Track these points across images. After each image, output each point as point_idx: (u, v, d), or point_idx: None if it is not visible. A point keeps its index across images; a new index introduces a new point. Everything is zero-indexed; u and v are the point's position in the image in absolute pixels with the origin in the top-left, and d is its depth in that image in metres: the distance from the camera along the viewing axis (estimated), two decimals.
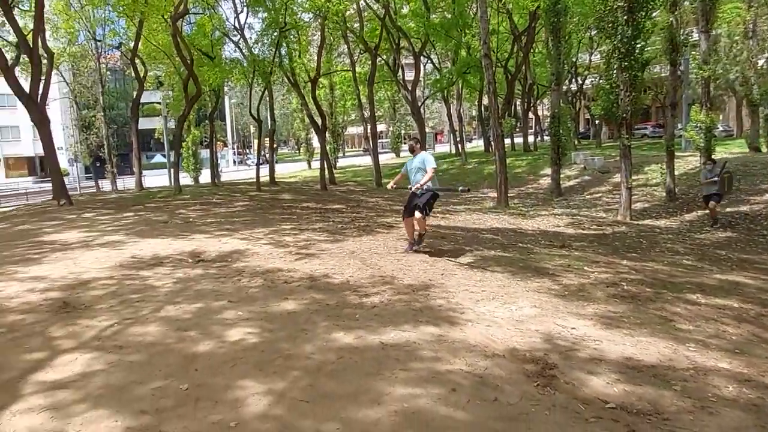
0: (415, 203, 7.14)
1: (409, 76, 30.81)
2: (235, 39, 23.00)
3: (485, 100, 36.43)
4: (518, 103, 38.75)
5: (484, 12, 15.06)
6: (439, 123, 66.14)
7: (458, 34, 24.25)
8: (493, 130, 15.38)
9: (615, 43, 12.36)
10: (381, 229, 9.64)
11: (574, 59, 31.91)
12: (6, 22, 16.27)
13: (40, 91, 15.50)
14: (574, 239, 10.05)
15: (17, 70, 16.17)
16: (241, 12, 22.70)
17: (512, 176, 21.04)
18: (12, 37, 18.26)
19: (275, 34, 19.69)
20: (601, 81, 16.30)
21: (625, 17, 12.09)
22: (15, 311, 4.95)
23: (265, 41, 20.84)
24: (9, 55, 16.38)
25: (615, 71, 12.62)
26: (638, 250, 9.27)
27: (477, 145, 50.06)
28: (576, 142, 32.86)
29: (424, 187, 7.06)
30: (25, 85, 15.34)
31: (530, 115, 37.85)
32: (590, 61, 33.58)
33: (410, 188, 7.27)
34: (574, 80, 34.97)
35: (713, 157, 12.82)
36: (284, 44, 20.72)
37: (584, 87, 36.71)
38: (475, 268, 6.61)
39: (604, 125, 35.34)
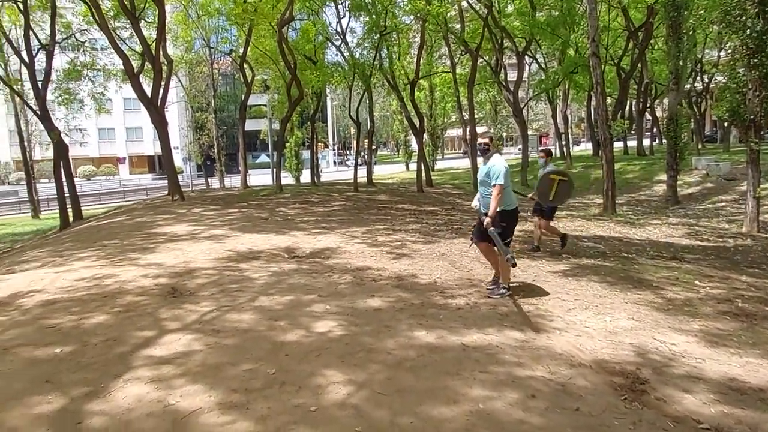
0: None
1: (512, 76, 30.01)
2: (337, 43, 23.83)
3: (594, 101, 34.51)
4: (633, 103, 36.20)
5: (593, 9, 14.31)
6: (545, 125, 63.61)
7: (566, 32, 23.17)
8: (601, 132, 14.52)
9: (743, 38, 11.13)
10: None
11: (699, 56, 29.18)
12: (134, 33, 17.98)
13: (160, 95, 17.01)
14: (688, 251, 9.18)
15: (141, 77, 17.77)
16: (344, 17, 23.42)
17: (623, 182, 19.72)
18: (137, 47, 20.25)
19: (376, 37, 20.14)
20: (726, 80, 14.74)
21: (756, 9, 10.85)
22: (131, 293, 5.54)
23: (366, 45, 21.35)
24: (135, 63, 18.01)
25: (743, 69, 11.38)
26: (763, 266, 8.25)
27: (586, 148, 47.55)
28: (700, 146, 30.05)
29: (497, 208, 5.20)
30: (147, 90, 16.89)
31: (647, 116, 35.18)
32: (719, 57, 30.52)
33: (476, 206, 5.67)
34: (699, 78, 31.98)
35: (549, 148, 8.80)
36: (384, 47, 21.10)
37: (711, 86, 33.43)
38: (569, 276, 6.30)
39: (732, 128, 31.92)
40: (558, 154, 36.89)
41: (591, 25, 14.20)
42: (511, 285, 5.46)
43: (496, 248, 5.25)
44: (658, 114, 39.65)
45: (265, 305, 5.02)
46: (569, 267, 6.84)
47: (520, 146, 34.32)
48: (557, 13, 23.09)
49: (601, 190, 15.26)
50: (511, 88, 23.92)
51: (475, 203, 5.68)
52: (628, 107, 35.24)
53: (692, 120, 31.07)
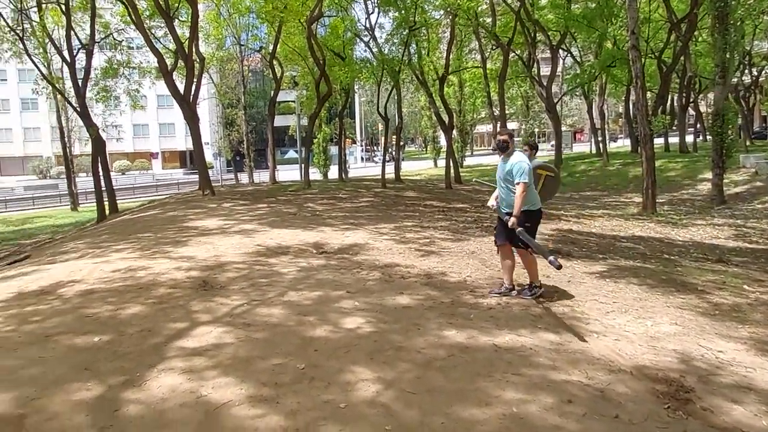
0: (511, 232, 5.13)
1: (545, 70, 29.43)
2: (366, 39, 23.81)
3: (633, 96, 33.46)
4: (674, 98, 34.96)
5: (633, 0, 13.85)
6: (579, 120, 62.31)
7: (603, 24, 22.56)
8: (641, 128, 14.05)
9: None
10: None
11: (747, 48, 27.91)
12: (168, 32, 18.39)
13: (192, 92, 17.27)
14: (735, 253, 8.79)
15: (173, 74, 18.13)
16: (373, 13, 23.40)
17: (664, 180, 19.11)
18: (170, 45, 20.70)
19: (405, 32, 20.00)
20: None
21: None
22: (164, 285, 5.66)
23: (395, 40, 21.24)
24: (168, 61, 18.36)
25: None
26: None
27: (623, 144, 46.35)
28: (748, 143, 28.83)
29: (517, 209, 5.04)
30: (180, 88, 17.17)
31: (690, 111, 33.93)
32: None
33: (492, 206, 5.50)
34: (747, 72, 30.60)
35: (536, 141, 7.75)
36: (414, 42, 20.96)
37: (760, 79, 31.97)
38: (607, 278, 6.08)
39: None
40: (594, 151, 36.08)
41: (630, 17, 13.76)
42: (543, 285, 5.27)
43: (529, 250, 5.04)
44: (702, 109, 38.26)
45: (294, 300, 5.04)
46: (606, 268, 6.62)
47: (553, 142, 33.59)
48: (594, 4, 22.47)
49: (640, 188, 14.80)
50: (544, 83, 23.45)
51: (491, 203, 5.48)
52: (669, 102, 34.12)
53: (740, 115, 29.89)
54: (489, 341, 3.96)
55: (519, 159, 5.03)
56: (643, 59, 17.25)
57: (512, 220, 4.90)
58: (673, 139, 33.14)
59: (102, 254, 7.64)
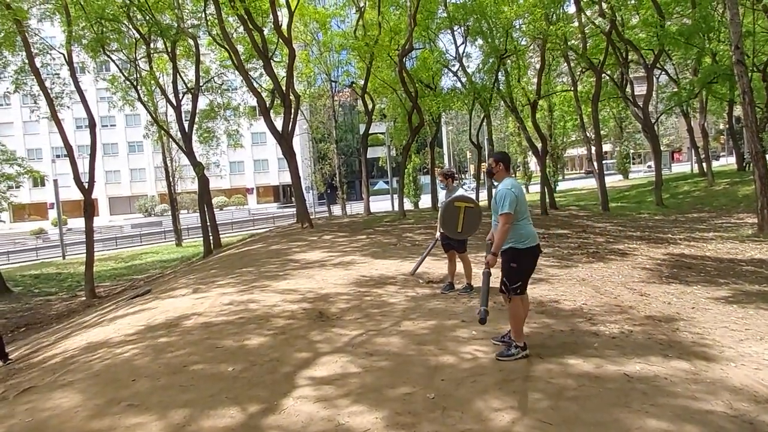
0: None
1: (638, 90, 28.17)
2: (454, 69, 24.13)
3: (737, 111, 31.17)
4: None
5: (735, 14, 13.08)
6: (676, 140, 58.72)
7: (701, 40, 21.34)
8: (752, 145, 13.09)
9: None
10: (613, 256, 8.98)
11: None
12: (263, 73, 19.39)
13: (289, 129, 17.95)
14: None
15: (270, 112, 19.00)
16: (462, 44, 23.77)
17: None
18: (264, 85, 21.96)
19: (491, 60, 20.06)
20: None
21: None
22: (280, 317, 5.86)
23: (484, 68, 21.34)
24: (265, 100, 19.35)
25: None
26: None
27: (726, 163, 43.03)
28: None
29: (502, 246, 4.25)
30: (277, 125, 17.90)
31: None
32: None
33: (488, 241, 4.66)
34: None
35: (451, 170, 7.15)
36: (503, 70, 20.99)
37: None
38: (733, 304, 5.74)
39: None
40: (696, 170, 33.77)
41: (733, 31, 13.00)
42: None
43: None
44: None
45: (410, 329, 5.11)
46: (731, 293, 6.24)
47: (649, 164, 31.74)
48: (690, 21, 21.38)
49: (753, 208, 13.67)
50: (639, 103, 22.47)
51: (490, 237, 4.63)
52: None
53: None
54: (619, 370, 3.87)
55: (504, 185, 4.24)
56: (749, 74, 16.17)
57: (489, 257, 4.19)
58: None
59: (216, 288, 7.97)
